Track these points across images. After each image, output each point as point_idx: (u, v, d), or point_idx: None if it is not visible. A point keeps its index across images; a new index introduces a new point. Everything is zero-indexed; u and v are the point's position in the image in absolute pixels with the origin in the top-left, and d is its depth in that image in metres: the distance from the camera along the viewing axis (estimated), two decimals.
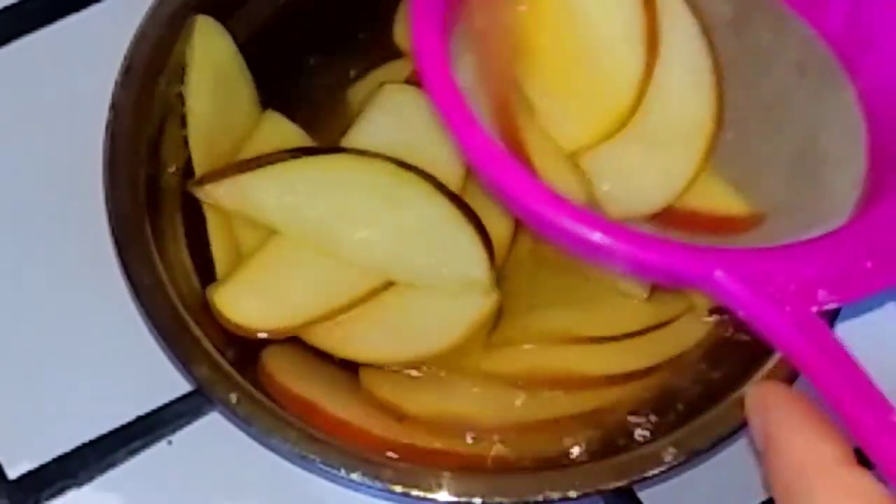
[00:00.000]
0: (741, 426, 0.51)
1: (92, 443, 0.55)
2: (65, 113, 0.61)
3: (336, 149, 0.57)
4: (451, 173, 0.55)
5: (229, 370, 0.53)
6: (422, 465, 0.51)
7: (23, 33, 0.63)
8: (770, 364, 0.53)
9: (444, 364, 0.55)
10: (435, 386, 0.55)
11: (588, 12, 0.49)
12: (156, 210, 0.56)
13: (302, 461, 0.51)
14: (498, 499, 0.51)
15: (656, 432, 0.53)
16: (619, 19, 0.49)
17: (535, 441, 0.54)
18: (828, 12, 0.47)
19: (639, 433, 0.53)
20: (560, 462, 0.53)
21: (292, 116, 0.59)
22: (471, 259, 0.54)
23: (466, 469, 0.52)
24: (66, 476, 0.54)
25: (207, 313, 0.55)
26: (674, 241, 0.43)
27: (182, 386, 0.55)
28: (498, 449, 0.54)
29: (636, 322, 0.56)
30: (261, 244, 0.56)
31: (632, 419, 0.54)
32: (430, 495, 0.51)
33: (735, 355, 0.55)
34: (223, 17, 0.59)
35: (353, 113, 0.58)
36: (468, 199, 0.55)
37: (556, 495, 0.51)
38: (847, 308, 0.54)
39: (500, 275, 0.56)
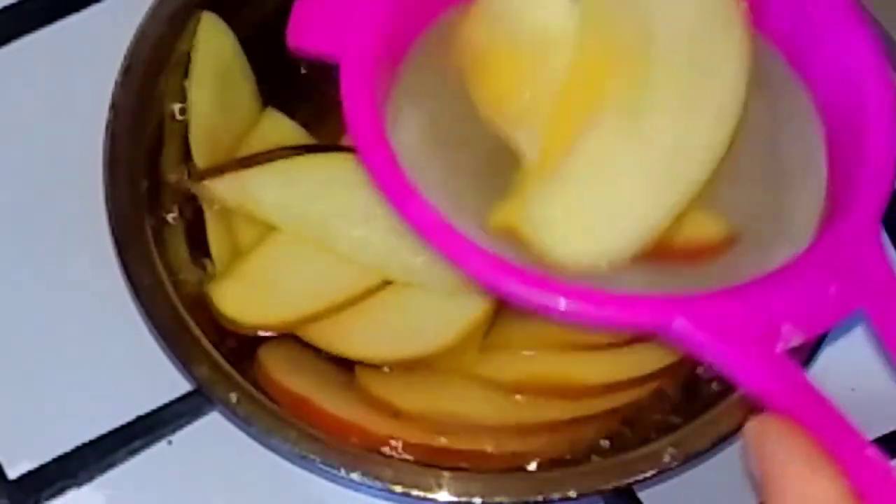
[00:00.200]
0: (741, 426, 0.51)
1: (92, 443, 0.55)
2: (65, 113, 0.61)
3: (336, 147, 0.57)
4: None
5: (229, 370, 0.53)
6: (418, 462, 0.51)
7: (23, 33, 0.63)
8: None
9: (440, 365, 0.55)
10: (430, 385, 0.55)
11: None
12: (156, 209, 0.56)
13: (302, 461, 0.51)
14: (498, 499, 0.51)
15: (656, 433, 0.53)
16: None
17: (532, 443, 0.54)
18: (774, 13, 0.46)
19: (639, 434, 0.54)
20: (560, 462, 0.53)
21: (293, 114, 0.59)
22: None
23: (466, 469, 0.52)
24: (66, 476, 0.54)
25: (207, 313, 0.55)
26: (630, 294, 0.42)
27: (182, 386, 0.55)
28: (496, 449, 0.54)
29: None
30: (259, 241, 0.56)
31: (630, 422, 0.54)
32: (430, 495, 0.51)
33: None
34: (226, 14, 0.59)
35: None
36: None
37: (556, 495, 0.51)
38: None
39: None
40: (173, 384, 0.55)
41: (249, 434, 0.52)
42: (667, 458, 0.51)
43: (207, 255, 0.57)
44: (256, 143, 0.58)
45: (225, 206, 0.56)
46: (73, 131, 0.60)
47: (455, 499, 0.51)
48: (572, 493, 0.51)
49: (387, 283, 0.56)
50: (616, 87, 0.45)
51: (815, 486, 0.38)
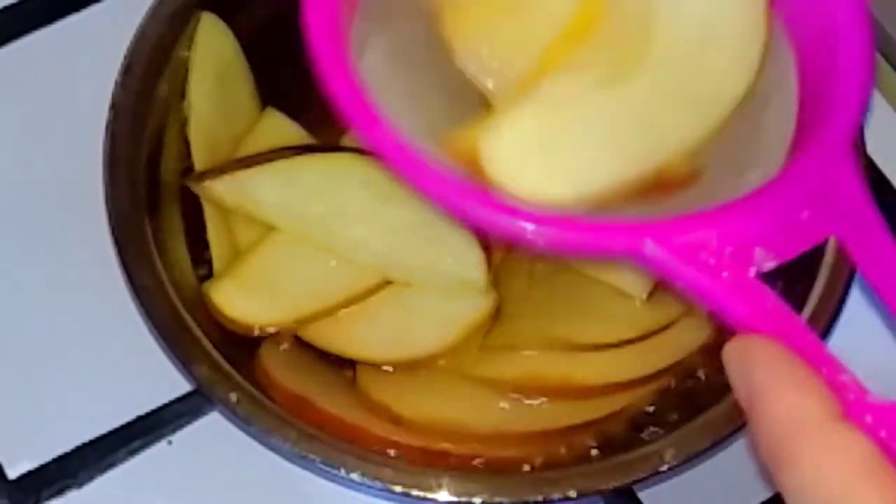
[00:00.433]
0: (741, 426, 0.51)
1: (92, 443, 0.55)
2: (65, 113, 0.61)
3: (335, 147, 0.57)
4: None
5: (229, 370, 0.53)
6: (419, 463, 0.51)
7: (23, 33, 0.63)
8: None
9: (440, 365, 0.55)
10: (430, 389, 0.55)
11: None
12: (156, 210, 0.56)
13: (302, 461, 0.51)
14: (498, 499, 0.51)
15: (656, 434, 0.53)
16: None
17: (532, 447, 0.54)
18: None
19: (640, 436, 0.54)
20: (560, 462, 0.53)
21: (292, 115, 0.59)
22: (467, 259, 0.54)
23: (466, 469, 0.52)
24: (66, 476, 0.54)
25: (207, 313, 0.55)
26: (600, 217, 0.41)
27: (182, 386, 0.55)
28: (495, 453, 0.54)
29: (636, 327, 0.56)
30: (259, 241, 0.56)
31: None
32: (430, 495, 0.51)
33: None
34: (225, 15, 0.59)
35: None
36: None
37: (556, 495, 0.51)
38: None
39: (497, 277, 0.56)
40: (173, 384, 0.55)
41: (249, 434, 0.52)
42: (667, 458, 0.51)
43: (207, 255, 0.57)
44: (256, 144, 0.58)
45: (225, 206, 0.56)
46: (73, 131, 0.60)
47: (455, 499, 0.50)
48: (572, 493, 0.51)
49: (387, 283, 0.56)
50: (608, 47, 0.44)
51: (803, 402, 0.37)
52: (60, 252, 0.59)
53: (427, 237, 0.54)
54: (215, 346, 0.53)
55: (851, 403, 0.37)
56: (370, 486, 0.51)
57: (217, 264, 0.57)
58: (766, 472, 0.37)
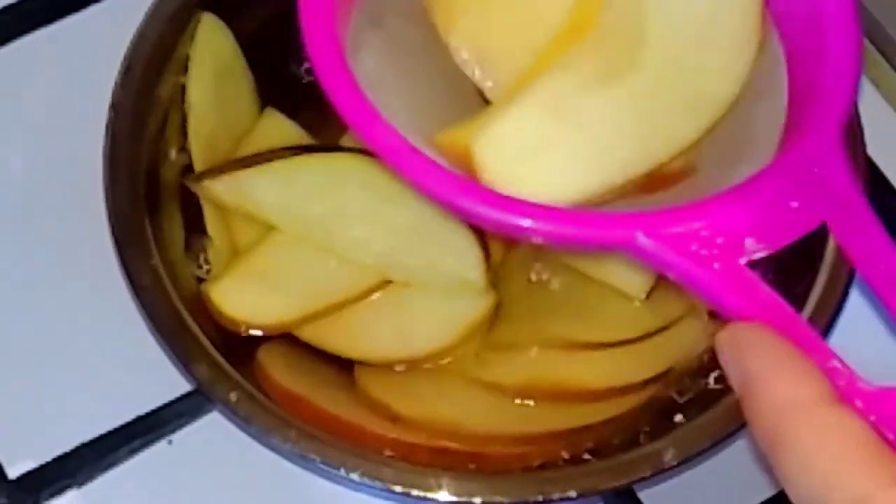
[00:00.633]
0: (741, 426, 0.51)
1: (92, 443, 0.55)
2: (65, 113, 0.61)
3: (335, 147, 0.57)
4: None
5: (229, 369, 0.53)
6: (419, 463, 0.51)
7: (23, 33, 0.63)
8: None
9: (440, 365, 0.55)
10: (430, 389, 0.55)
11: None
12: (156, 209, 0.56)
13: (302, 461, 0.51)
14: (498, 499, 0.51)
15: (656, 433, 0.53)
16: None
17: (532, 449, 0.54)
18: None
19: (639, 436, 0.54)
20: (559, 462, 0.53)
21: (292, 115, 0.59)
22: (467, 259, 0.54)
23: (466, 469, 0.52)
24: (66, 476, 0.54)
25: (207, 313, 0.55)
26: (591, 210, 0.41)
27: (182, 386, 0.55)
28: (495, 454, 0.54)
29: (636, 327, 0.56)
30: (258, 240, 0.56)
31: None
32: (430, 495, 0.51)
33: None
34: (225, 15, 0.59)
35: None
36: None
37: (556, 495, 0.51)
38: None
39: (496, 277, 0.56)
40: (173, 384, 0.55)
41: (249, 434, 0.52)
42: (667, 458, 0.51)
43: (207, 255, 0.57)
44: (256, 144, 0.58)
45: (224, 206, 0.56)
46: (73, 131, 0.60)
47: (455, 499, 0.50)
48: (572, 493, 0.51)
49: (387, 283, 0.56)
50: (603, 46, 0.44)
51: (796, 386, 0.37)
52: (60, 252, 0.59)
53: (427, 237, 0.54)
54: (215, 346, 0.53)
55: (842, 389, 0.38)
56: (370, 486, 0.51)
57: (216, 264, 0.57)
58: (765, 461, 0.38)
